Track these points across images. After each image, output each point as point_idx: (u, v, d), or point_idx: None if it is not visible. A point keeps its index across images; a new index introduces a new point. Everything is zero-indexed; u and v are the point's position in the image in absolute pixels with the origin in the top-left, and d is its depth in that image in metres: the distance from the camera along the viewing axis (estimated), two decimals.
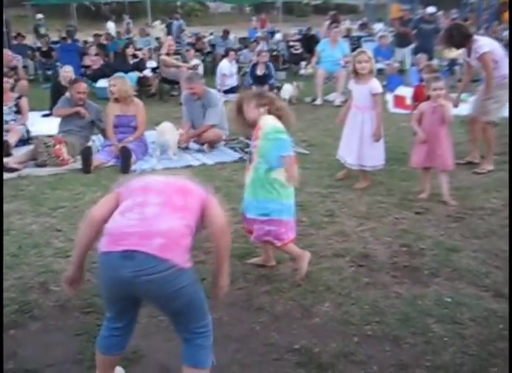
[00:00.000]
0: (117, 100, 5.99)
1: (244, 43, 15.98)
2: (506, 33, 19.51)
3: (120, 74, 7.43)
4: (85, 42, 15.51)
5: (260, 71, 10.02)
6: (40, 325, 2.81)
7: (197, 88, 6.10)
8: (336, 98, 9.52)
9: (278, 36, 17.38)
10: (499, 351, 2.52)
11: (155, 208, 1.97)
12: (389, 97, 10.07)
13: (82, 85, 6.16)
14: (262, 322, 2.83)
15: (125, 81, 6.07)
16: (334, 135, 6.18)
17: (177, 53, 10.24)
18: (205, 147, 6.17)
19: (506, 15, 24.32)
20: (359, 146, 4.83)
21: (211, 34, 19.30)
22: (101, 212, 2.06)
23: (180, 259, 1.91)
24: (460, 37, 5.31)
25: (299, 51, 13.76)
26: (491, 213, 4.30)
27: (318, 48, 9.82)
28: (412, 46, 12.55)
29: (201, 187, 2.13)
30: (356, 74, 4.76)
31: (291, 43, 13.81)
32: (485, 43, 5.33)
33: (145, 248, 1.86)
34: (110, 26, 23.40)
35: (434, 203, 4.52)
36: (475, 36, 5.47)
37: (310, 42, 14.50)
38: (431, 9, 11.19)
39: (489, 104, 5.45)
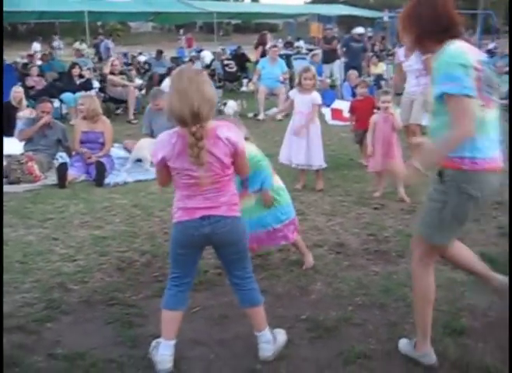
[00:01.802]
0: (84, 118, 6.27)
1: (176, 62, 16.39)
2: None
3: (84, 93, 7.68)
4: (16, 62, 15.37)
5: None
6: (72, 318, 3.12)
7: (161, 103, 6.53)
8: (276, 113, 10.15)
9: (206, 55, 17.97)
10: (464, 306, 3.13)
11: None
12: (325, 110, 10.87)
13: (47, 105, 6.40)
14: (267, 301, 3.24)
15: (93, 100, 6.38)
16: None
17: (121, 72, 10.50)
18: None
19: None
20: (306, 148, 5.40)
21: (140, 54, 19.61)
22: None
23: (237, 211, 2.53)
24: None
25: (233, 69, 14.38)
26: None
27: (259, 66, 10.46)
28: (338, 62, 13.52)
29: None
30: (301, 86, 5.39)
31: (225, 62, 14.39)
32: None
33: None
34: (36, 46, 23.09)
35: (388, 200, 5.18)
36: None
37: (241, 60, 15.23)
38: (359, 30, 12.16)
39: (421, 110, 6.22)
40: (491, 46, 21.58)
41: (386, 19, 24.23)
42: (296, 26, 27.68)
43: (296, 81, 5.55)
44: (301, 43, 22.48)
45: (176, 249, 2.58)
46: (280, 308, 3.20)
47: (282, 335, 2.78)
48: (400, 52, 6.48)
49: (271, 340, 2.67)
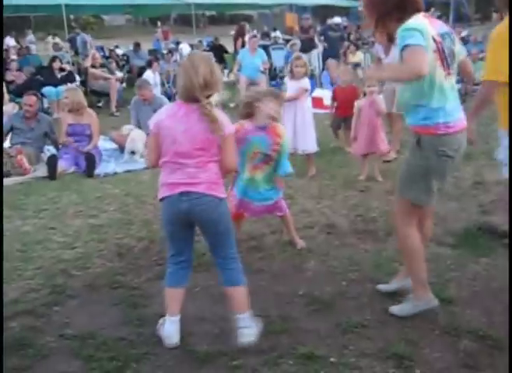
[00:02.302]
0: (70, 111, 6.32)
1: (154, 54, 16.35)
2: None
3: (68, 86, 7.70)
4: None
5: None
6: (78, 301, 3.23)
7: (147, 94, 6.64)
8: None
9: (184, 47, 17.96)
10: (452, 278, 3.33)
11: None
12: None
13: (32, 98, 6.42)
14: (265, 279, 3.45)
15: (77, 93, 6.44)
16: None
17: (102, 65, 10.51)
18: None
19: None
20: (293, 133, 5.55)
21: (116, 47, 19.48)
22: None
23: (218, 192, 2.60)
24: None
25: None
26: None
27: (239, 56, 10.56)
28: (316, 51, 13.69)
29: None
30: (292, 73, 5.53)
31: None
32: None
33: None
34: (9, 41, 22.74)
35: (372, 183, 5.36)
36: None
37: (219, 52, 15.28)
38: (337, 19, 12.36)
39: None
40: (464, 33, 21.87)
41: (361, 8, 24.44)
42: (271, 16, 27.75)
43: (288, 69, 5.71)
44: (278, 33, 22.57)
45: (166, 226, 2.74)
46: (277, 286, 3.35)
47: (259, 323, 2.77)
48: (379, 48, 6.59)
49: (251, 325, 2.70)
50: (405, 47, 2.45)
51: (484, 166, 5.61)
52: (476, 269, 3.45)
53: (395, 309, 2.94)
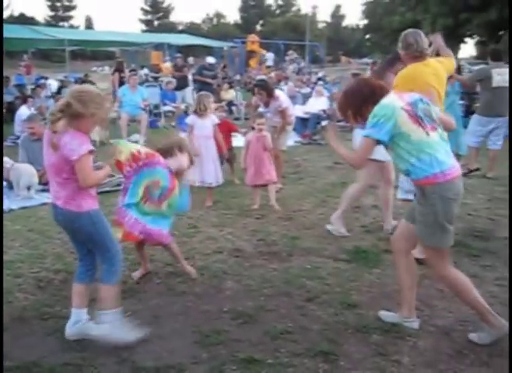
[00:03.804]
0: None
1: (21, 90, 15.77)
2: (259, 76, 22.83)
3: None
4: None
5: None
6: (10, 334, 3.20)
7: (36, 128, 6.57)
8: (139, 138, 10.47)
9: (51, 83, 17.56)
10: (352, 287, 3.86)
11: None
12: (183, 135, 11.39)
13: None
14: (190, 300, 3.70)
15: None
16: None
17: None
18: None
19: (253, 62, 28.21)
20: (201, 167, 5.94)
21: None
22: None
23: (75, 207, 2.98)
24: (270, 91, 6.78)
25: None
26: (308, 212, 5.82)
27: (119, 93, 10.71)
28: (189, 88, 14.25)
29: None
30: (200, 111, 5.93)
31: None
32: (284, 100, 6.93)
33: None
34: None
35: (266, 210, 5.85)
36: (276, 93, 6.97)
37: None
38: (211, 60, 13.00)
39: (283, 137, 7.07)
40: (320, 74, 23.90)
41: (225, 48, 25.70)
42: (134, 53, 27.86)
43: (194, 108, 6.05)
44: (146, 70, 22.88)
45: None
46: (203, 305, 3.63)
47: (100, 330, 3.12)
48: (258, 101, 7.14)
49: (106, 322, 3.10)
50: (363, 138, 3.07)
51: None
52: (370, 278, 4.03)
53: (384, 315, 3.37)
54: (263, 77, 22.70)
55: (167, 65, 27.55)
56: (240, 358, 2.93)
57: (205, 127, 5.99)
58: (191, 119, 6.10)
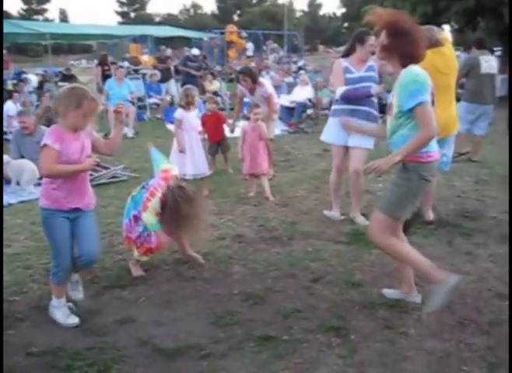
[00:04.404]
0: None
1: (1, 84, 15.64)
2: (239, 67, 22.86)
3: None
4: None
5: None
6: (29, 323, 3.32)
7: (28, 122, 6.60)
8: (128, 131, 10.50)
9: (31, 78, 17.39)
10: (354, 267, 4.04)
11: None
12: (171, 126, 11.47)
13: None
14: (200, 285, 3.82)
15: None
16: (148, 160, 7.30)
17: None
18: None
19: (232, 52, 28.18)
20: (198, 158, 6.07)
21: None
22: None
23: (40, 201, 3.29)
24: (255, 77, 6.89)
25: None
26: (303, 199, 5.98)
27: (106, 87, 10.71)
28: (173, 80, 14.28)
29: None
30: (187, 105, 6.02)
31: (60, 84, 14.21)
32: (268, 86, 7.05)
33: None
34: None
35: (262, 198, 5.99)
36: (260, 80, 7.10)
37: (71, 81, 15.11)
38: (195, 51, 13.06)
39: (270, 125, 7.19)
40: (300, 63, 24.04)
41: (206, 38, 25.62)
42: (112, 46, 27.60)
43: (183, 101, 6.12)
44: (126, 63, 22.74)
45: None
46: (213, 289, 3.76)
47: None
48: (243, 88, 7.20)
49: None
50: (420, 105, 2.94)
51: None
52: (371, 258, 4.20)
53: (387, 292, 3.53)
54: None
55: (145, 58, 27.57)
56: (256, 336, 3.08)
57: (193, 119, 6.11)
58: (179, 113, 6.14)
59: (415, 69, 3.05)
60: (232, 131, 7.15)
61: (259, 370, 2.79)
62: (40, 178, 6.57)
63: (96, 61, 15.82)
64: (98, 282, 3.89)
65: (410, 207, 3.22)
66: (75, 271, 3.52)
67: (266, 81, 7.35)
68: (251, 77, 6.83)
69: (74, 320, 3.31)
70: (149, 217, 3.78)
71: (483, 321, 3.23)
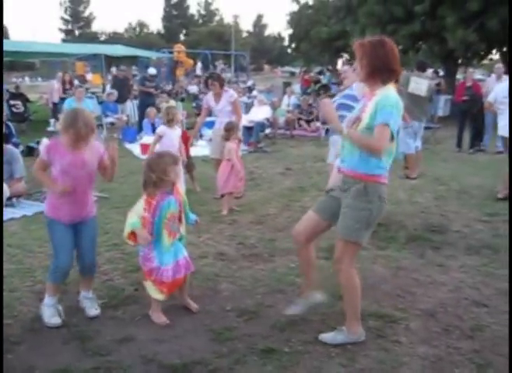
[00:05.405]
0: None
1: None
2: (190, 86, 23.03)
3: None
4: None
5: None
6: (27, 346, 3.30)
7: None
8: None
9: None
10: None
11: None
12: (130, 146, 11.49)
13: None
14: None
15: None
16: (120, 180, 7.34)
17: None
18: (15, 200, 6.50)
19: (179, 72, 28.30)
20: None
21: None
22: None
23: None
24: (222, 82, 7.12)
25: (20, 110, 14.00)
26: (275, 216, 6.15)
27: (65, 106, 10.59)
28: (129, 101, 14.29)
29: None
30: (169, 122, 6.19)
31: (11, 103, 13.91)
32: (233, 91, 7.31)
33: None
34: None
35: (236, 216, 6.12)
36: (225, 87, 7.31)
37: (20, 98, 14.79)
38: (152, 71, 13.12)
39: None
40: (249, 83, 24.36)
41: (154, 58, 25.64)
42: (56, 64, 27.03)
43: (166, 118, 6.28)
44: (76, 81, 22.44)
45: None
46: (206, 306, 3.85)
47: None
48: (209, 97, 7.35)
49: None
50: (381, 125, 2.92)
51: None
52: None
53: (328, 338, 3.29)
54: (195, 87, 22.94)
55: (89, 77, 27.26)
56: (259, 349, 3.20)
57: (174, 136, 6.25)
58: (161, 129, 6.32)
59: (394, 96, 3.06)
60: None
61: None
62: (9, 198, 6.48)
63: (56, 79, 15.36)
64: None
65: (370, 230, 3.17)
66: (82, 278, 3.82)
67: (232, 90, 7.60)
68: (219, 81, 7.12)
69: (57, 321, 3.53)
70: (131, 217, 3.53)
71: (466, 327, 3.48)
